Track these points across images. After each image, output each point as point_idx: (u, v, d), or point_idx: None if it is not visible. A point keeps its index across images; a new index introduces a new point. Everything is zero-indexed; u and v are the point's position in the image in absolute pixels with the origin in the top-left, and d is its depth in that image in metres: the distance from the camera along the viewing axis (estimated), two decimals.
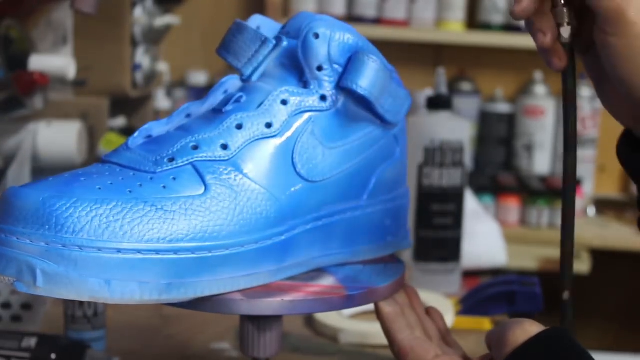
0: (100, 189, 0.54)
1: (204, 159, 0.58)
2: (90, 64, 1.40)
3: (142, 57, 1.60)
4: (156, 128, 0.62)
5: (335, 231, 0.64)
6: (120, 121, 1.61)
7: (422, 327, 0.66)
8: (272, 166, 0.60)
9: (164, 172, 0.57)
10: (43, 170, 1.28)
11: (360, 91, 0.62)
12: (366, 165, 0.66)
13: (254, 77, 0.62)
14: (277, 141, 0.60)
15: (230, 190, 0.57)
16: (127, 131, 1.53)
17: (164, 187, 0.56)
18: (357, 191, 0.66)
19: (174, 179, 0.56)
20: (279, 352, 0.64)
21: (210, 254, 0.55)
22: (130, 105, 1.69)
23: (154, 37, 1.64)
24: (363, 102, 0.64)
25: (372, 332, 0.88)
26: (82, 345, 0.76)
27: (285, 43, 0.63)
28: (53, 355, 0.74)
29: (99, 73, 1.44)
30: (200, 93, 2.17)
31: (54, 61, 1.20)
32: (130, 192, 0.54)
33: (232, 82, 0.65)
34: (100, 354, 0.77)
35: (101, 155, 1.40)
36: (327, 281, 0.63)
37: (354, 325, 0.91)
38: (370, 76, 0.63)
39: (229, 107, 0.61)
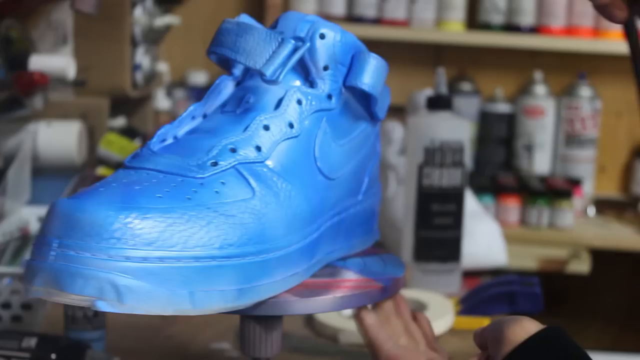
0: (160, 197, 0.52)
1: (244, 161, 0.58)
2: (90, 64, 1.40)
3: (142, 57, 1.60)
4: (171, 131, 0.61)
5: (341, 227, 0.65)
6: (120, 121, 1.61)
7: (408, 332, 0.66)
8: (299, 166, 0.60)
9: (211, 176, 0.56)
10: (43, 170, 1.28)
11: (366, 89, 0.63)
12: (363, 162, 0.67)
13: (280, 78, 0.60)
14: (300, 141, 0.61)
15: (272, 191, 0.58)
16: (127, 131, 1.53)
17: (217, 192, 0.55)
18: (357, 187, 0.67)
19: (223, 183, 0.56)
20: (279, 352, 0.64)
21: (269, 256, 0.55)
22: (130, 105, 1.69)
23: (154, 37, 1.64)
24: (365, 99, 0.65)
25: None
26: (82, 345, 0.76)
27: (308, 44, 0.62)
28: (53, 355, 0.74)
29: (99, 73, 1.44)
30: (200, 93, 2.16)
31: (54, 61, 1.20)
32: (189, 199, 0.53)
33: (225, 83, 0.65)
34: (100, 354, 0.77)
35: (101, 156, 1.41)
36: (351, 276, 0.63)
37: (354, 325, 0.91)
38: (374, 74, 0.64)
39: (244, 108, 0.61)
